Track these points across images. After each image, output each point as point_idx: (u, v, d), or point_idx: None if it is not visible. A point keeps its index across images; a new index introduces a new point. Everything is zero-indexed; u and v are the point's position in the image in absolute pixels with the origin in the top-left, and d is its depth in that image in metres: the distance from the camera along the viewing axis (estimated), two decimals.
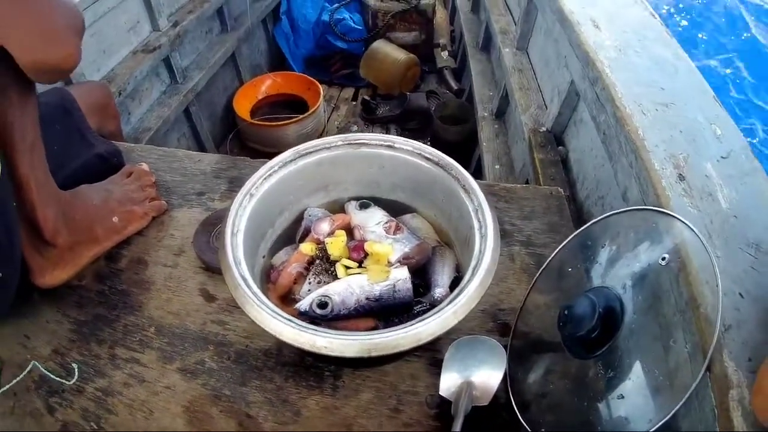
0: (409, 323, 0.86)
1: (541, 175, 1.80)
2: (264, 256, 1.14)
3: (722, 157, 1.14)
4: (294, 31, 4.10)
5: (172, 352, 1.13)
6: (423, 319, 0.86)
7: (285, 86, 3.68)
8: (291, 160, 1.14)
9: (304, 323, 0.87)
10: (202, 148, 3.19)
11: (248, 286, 0.92)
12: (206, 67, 3.08)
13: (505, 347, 1.05)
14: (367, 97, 3.92)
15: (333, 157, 1.17)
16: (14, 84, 0.95)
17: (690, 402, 0.78)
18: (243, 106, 3.47)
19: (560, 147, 1.95)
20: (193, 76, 2.98)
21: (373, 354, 0.83)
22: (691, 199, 1.05)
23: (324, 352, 0.83)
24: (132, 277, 1.26)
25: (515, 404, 0.99)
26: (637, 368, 0.86)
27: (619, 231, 1.00)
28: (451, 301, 0.88)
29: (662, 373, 0.83)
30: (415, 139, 1.16)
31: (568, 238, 1.07)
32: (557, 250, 1.08)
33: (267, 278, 1.12)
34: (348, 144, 1.17)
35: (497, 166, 2.41)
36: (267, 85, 3.65)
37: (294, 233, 1.20)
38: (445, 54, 4.11)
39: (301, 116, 3.33)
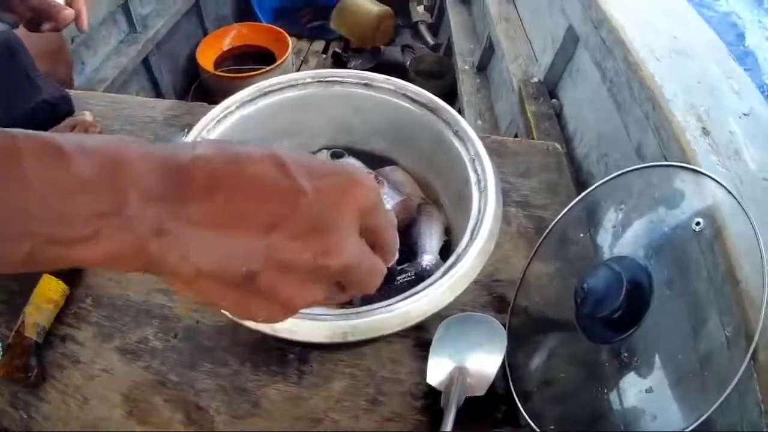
0: (394, 299, 0.72)
1: (535, 129, 1.69)
2: None
3: (744, 114, 1.04)
4: None
5: (111, 328, 0.98)
6: (412, 295, 0.72)
7: (251, 37, 3.54)
8: (250, 100, 0.98)
9: None
10: None
11: None
12: (167, 15, 2.95)
13: (503, 326, 0.92)
14: (338, 50, 3.85)
15: (300, 98, 1.01)
16: None
17: (729, 396, 0.65)
18: (207, 58, 3.31)
19: (553, 100, 1.84)
20: (154, 25, 2.85)
21: (350, 339, 0.70)
22: (718, 157, 0.94)
23: (287, 336, 0.70)
24: None
25: (516, 394, 0.86)
26: (665, 355, 0.74)
27: (635, 191, 0.87)
28: (446, 272, 0.74)
29: (696, 361, 0.72)
30: None
31: (577, 198, 0.94)
32: (564, 211, 0.95)
33: None
34: (319, 81, 1.01)
35: (480, 122, 2.33)
36: (232, 36, 3.53)
37: None
38: (420, 8, 4.02)
39: (267, 68, 3.19)
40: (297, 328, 0.69)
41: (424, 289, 0.71)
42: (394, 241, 0.46)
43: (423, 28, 3.87)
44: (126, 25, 2.72)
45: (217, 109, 0.95)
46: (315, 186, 0.39)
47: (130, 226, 0.35)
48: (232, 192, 0.37)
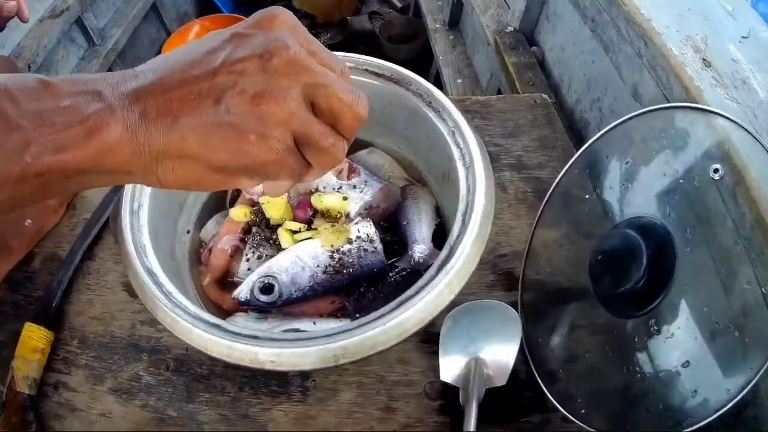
0: (387, 308, 0.64)
1: (518, 82, 1.60)
2: (189, 231, 0.94)
3: (743, 37, 0.96)
4: None
5: (101, 369, 0.92)
6: (406, 300, 0.64)
7: (215, 29, 3.35)
8: None
9: (237, 328, 0.66)
10: None
11: (157, 283, 0.71)
12: (125, 23, 2.84)
13: (515, 304, 0.84)
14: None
15: None
16: None
17: None
18: None
19: (534, 47, 1.74)
20: (113, 35, 2.75)
21: (343, 362, 0.63)
22: (725, 90, 0.86)
23: (271, 368, 0.63)
24: (47, 279, 1.04)
25: (539, 377, 0.80)
26: (699, 321, 0.67)
27: (639, 139, 0.80)
28: (440, 268, 0.66)
29: (733, 324, 0.64)
30: None
31: (576, 154, 0.86)
32: (564, 170, 0.87)
33: (198, 259, 0.92)
34: None
35: (459, 80, 2.24)
36: (195, 31, 3.40)
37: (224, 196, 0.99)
38: None
39: None
40: (280, 358, 0.62)
41: (418, 291, 0.64)
42: (332, 54, 0.49)
43: None
44: (84, 41, 2.64)
45: None
46: (245, 26, 0.45)
47: (115, 115, 0.41)
48: (183, 60, 0.43)
